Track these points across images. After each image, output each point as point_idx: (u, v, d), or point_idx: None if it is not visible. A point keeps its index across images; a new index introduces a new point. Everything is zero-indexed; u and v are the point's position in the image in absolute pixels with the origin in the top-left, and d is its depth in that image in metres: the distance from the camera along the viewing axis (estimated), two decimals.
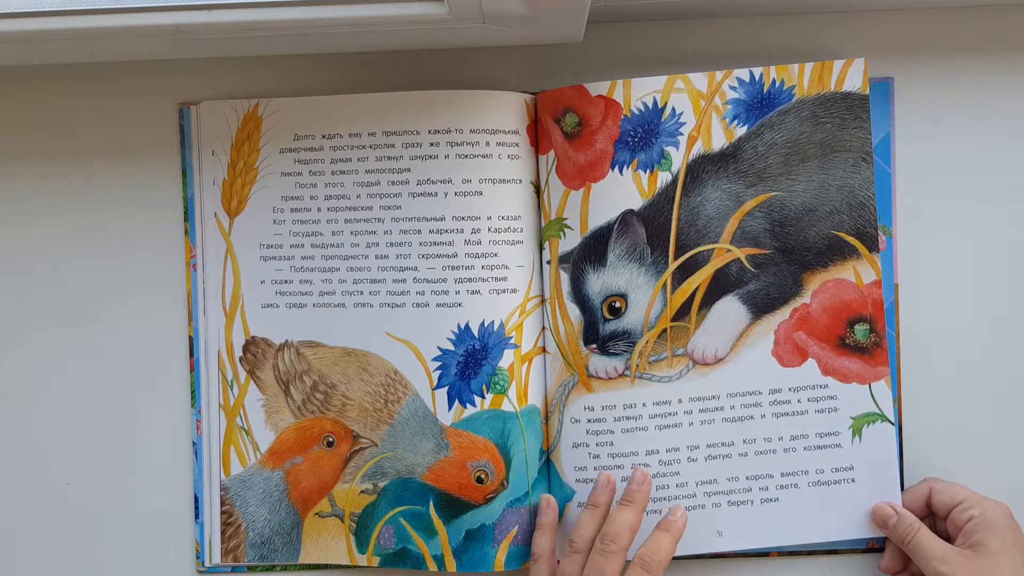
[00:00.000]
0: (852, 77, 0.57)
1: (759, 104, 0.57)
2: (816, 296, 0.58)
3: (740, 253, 0.58)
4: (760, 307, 0.58)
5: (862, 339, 0.58)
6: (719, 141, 0.57)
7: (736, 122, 0.57)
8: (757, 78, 0.57)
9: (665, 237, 0.58)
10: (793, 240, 0.58)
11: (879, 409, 0.58)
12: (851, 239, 0.58)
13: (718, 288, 0.58)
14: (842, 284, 0.58)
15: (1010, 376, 0.60)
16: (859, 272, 0.58)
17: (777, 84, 0.57)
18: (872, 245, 0.58)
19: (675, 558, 0.57)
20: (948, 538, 0.55)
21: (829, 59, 0.58)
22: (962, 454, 0.60)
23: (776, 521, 0.58)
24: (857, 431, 0.58)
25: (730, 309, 0.58)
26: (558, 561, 0.57)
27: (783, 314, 0.58)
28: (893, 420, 0.58)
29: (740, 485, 0.58)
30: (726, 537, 0.58)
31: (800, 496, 0.58)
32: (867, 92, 0.57)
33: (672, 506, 0.57)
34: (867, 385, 0.58)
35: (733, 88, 0.57)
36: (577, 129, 0.58)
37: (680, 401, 0.58)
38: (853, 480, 0.58)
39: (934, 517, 0.58)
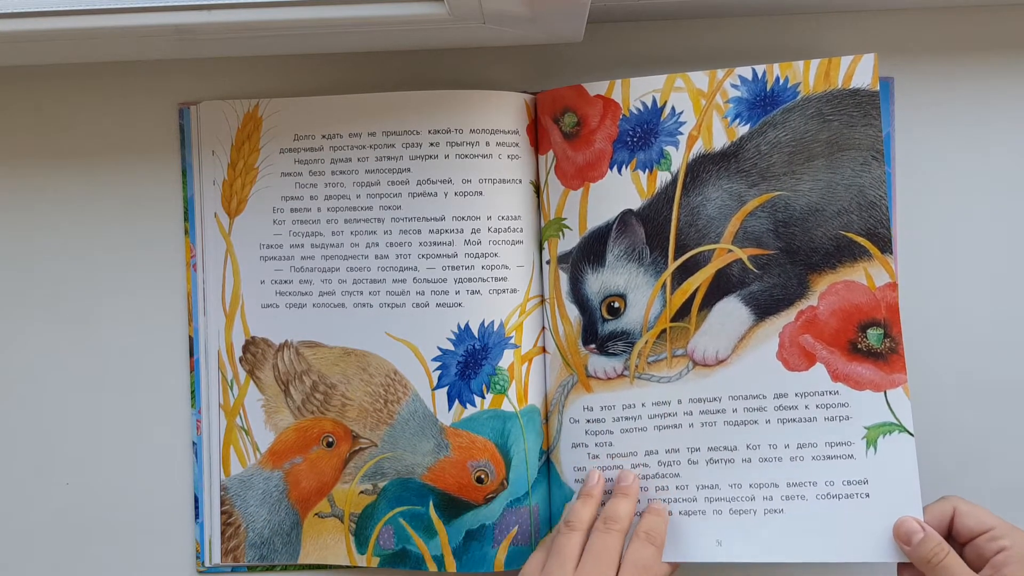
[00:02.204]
0: (861, 73, 0.55)
1: (762, 102, 0.56)
2: (824, 298, 0.56)
3: (742, 253, 0.57)
4: (763, 309, 0.56)
5: (875, 344, 0.55)
6: (720, 140, 0.57)
7: (738, 121, 0.57)
8: (760, 76, 0.56)
9: (664, 237, 0.57)
10: (798, 241, 0.56)
11: (896, 419, 0.54)
12: (861, 240, 0.55)
13: (719, 289, 0.57)
14: (852, 286, 0.55)
15: (1010, 376, 0.60)
16: (870, 274, 0.55)
17: (781, 81, 0.56)
18: (884, 246, 0.55)
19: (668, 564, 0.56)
20: (969, 564, 0.51)
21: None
22: (961, 455, 0.60)
23: (780, 534, 0.55)
24: (872, 442, 0.54)
25: (732, 310, 0.57)
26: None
27: (788, 316, 0.56)
28: (912, 431, 0.54)
29: (743, 493, 0.56)
30: (725, 547, 0.55)
31: (807, 509, 0.55)
32: (877, 88, 0.55)
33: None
34: (882, 393, 0.54)
35: (735, 86, 0.57)
36: (575, 129, 0.58)
37: (680, 402, 0.57)
38: (867, 495, 0.54)
39: (951, 540, 0.53)
